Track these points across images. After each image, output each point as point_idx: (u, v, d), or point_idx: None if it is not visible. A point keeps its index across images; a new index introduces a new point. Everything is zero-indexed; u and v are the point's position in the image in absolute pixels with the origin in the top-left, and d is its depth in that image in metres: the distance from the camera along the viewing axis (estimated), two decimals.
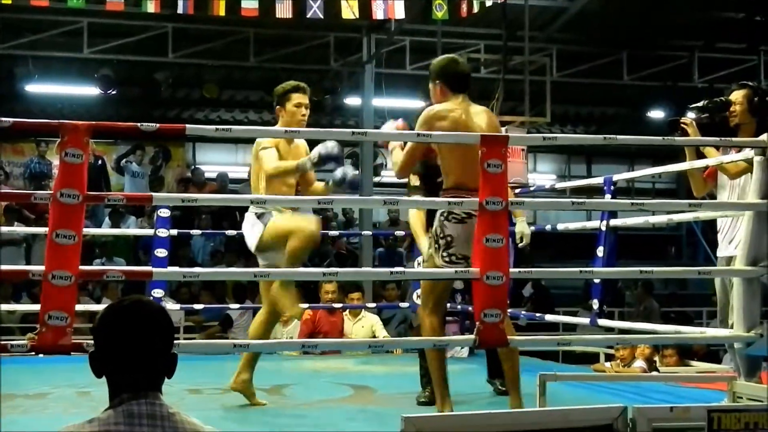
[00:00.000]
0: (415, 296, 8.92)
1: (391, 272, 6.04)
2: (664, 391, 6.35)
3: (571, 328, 11.86)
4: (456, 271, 4.95)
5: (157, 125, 4.50)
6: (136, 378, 2.42)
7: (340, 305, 9.39)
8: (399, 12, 12.33)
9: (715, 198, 5.62)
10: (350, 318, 9.51)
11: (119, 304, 2.55)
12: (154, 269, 5.93)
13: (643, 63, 15.84)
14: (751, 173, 5.03)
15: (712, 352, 10.82)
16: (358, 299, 9.65)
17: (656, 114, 17.60)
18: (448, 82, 5.35)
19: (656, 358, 8.44)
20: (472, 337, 4.57)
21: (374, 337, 9.29)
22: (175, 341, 2.60)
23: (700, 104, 5.55)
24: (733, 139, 5.19)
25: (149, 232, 8.89)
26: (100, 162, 15.01)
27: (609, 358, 8.97)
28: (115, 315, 2.50)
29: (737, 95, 5.47)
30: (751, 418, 2.86)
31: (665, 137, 5.25)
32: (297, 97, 5.90)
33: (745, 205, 5.18)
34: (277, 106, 5.94)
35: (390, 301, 10.67)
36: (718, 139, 5.14)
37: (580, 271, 5.95)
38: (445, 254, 5.13)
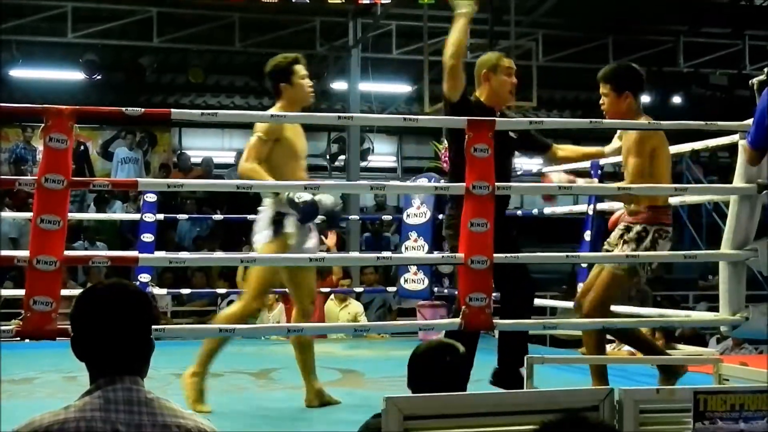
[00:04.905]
0: (402, 281, 8.97)
1: (378, 257, 6.02)
2: (650, 374, 6.36)
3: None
4: (443, 256, 4.93)
5: (142, 110, 4.49)
6: (113, 362, 2.37)
7: (328, 289, 9.44)
8: None
9: None
10: (337, 303, 9.51)
11: (96, 287, 2.51)
12: (140, 255, 5.94)
13: (628, 48, 15.84)
14: None
15: (698, 336, 10.86)
16: (348, 286, 9.69)
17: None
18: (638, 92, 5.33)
19: None
20: (458, 320, 4.57)
21: None
22: (159, 325, 2.56)
23: None
24: (719, 122, 5.18)
25: (135, 217, 8.86)
26: (82, 148, 14.94)
27: None
28: (91, 298, 2.45)
29: None
30: (736, 399, 2.86)
31: (651, 121, 5.24)
32: (301, 69, 5.56)
33: (731, 189, 5.18)
34: (281, 84, 5.52)
35: (369, 285, 10.63)
36: (703, 123, 5.13)
37: (567, 256, 5.96)
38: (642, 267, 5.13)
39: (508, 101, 5.48)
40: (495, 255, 4.55)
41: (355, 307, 9.60)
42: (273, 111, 5.51)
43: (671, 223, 5.26)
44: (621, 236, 5.24)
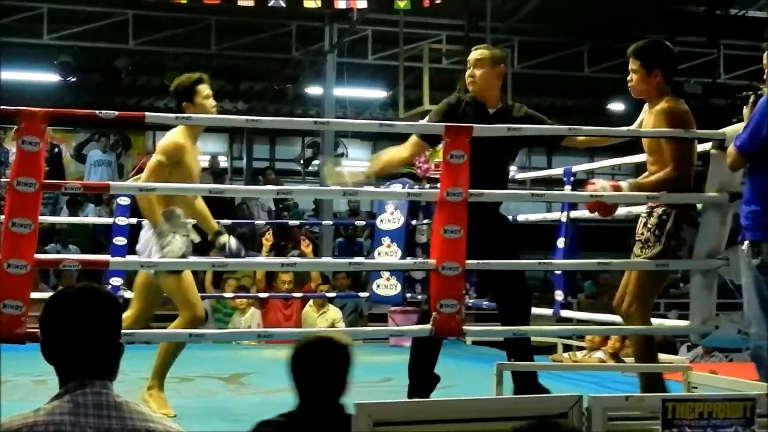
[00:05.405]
0: (375, 286, 8.97)
1: (350, 263, 6.02)
2: (621, 381, 6.40)
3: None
4: (415, 262, 4.94)
5: (116, 113, 4.47)
6: (82, 366, 2.37)
7: (300, 294, 9.46)
8: (361, 1, 12.30)
9: None
10: (315, 310, 9.50)
11: (65, 291, 2.52)
12: (111, 258, 5.90)
13: (604, 55, 15.90)
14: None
15: (669, 343, 10.91)
16: (327, 291, 9.71)
17: (617, 106, 17.69)
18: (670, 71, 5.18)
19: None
20: (428, 327, 4.57)
21: None
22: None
23: None
24: (697, 131, 5.15)
25: (108, 220, 8.82)
26: (56, 150, 14.88)
27: (567, 348, 9.02)
28: (61, 302, 2.46)
29: None
30: (705, 407, 2.88)
31: (629, 128, 5.25)
32: (204, 88, 5.54)
33: (702, 198, 5.20)
34: (184, 103, 5.48)
35: (341, 290, 10.64)
36: (682, 130, 5.10)
37: (539, 263, 5.97)
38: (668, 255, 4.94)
39: (474, 93, 5.33)
40: (467, 261, 4.55)
41: (333, 313, 9.59)
42: (175, 130, 5.50)
43: (696, 208, 5.10)
44: (644, 223, 5.07)
